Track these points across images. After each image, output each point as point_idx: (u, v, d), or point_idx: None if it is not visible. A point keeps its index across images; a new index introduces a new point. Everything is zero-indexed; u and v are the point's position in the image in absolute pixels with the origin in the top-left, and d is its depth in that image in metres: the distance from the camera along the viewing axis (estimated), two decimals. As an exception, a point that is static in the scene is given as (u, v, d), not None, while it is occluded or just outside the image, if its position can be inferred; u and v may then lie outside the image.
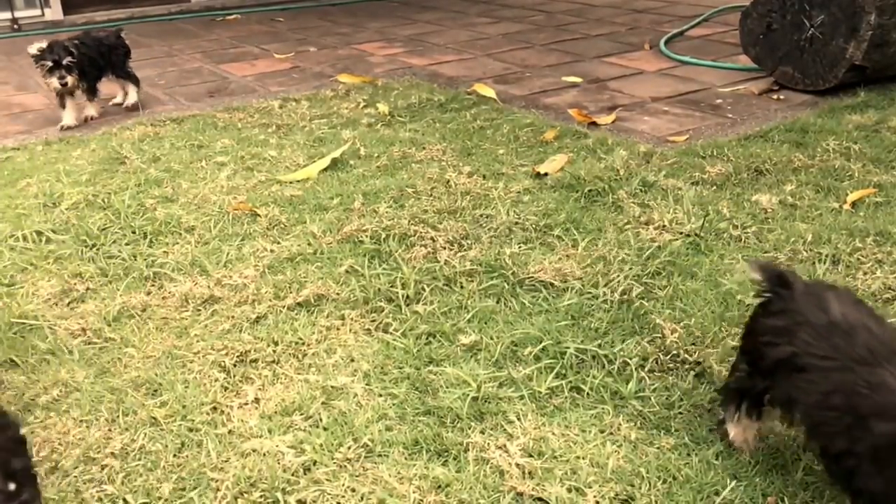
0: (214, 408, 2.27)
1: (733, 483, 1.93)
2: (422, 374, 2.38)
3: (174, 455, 2.10)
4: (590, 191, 3.56)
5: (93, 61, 4.96)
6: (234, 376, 2.40)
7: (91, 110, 5.05)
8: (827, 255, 2.95)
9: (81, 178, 3.96)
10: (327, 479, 1.98)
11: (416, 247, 3.12)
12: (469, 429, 2.15)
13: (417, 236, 3.19)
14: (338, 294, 2.82)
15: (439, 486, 1.96)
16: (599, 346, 2.46)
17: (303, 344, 2.55)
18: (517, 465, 2.00)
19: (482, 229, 3.27)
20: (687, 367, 2.38)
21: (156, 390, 2.36)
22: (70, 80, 4.76)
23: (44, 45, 4.77)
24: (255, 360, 2.47)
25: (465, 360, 2.44)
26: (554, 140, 4.30)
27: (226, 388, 2.35)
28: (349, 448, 2.08)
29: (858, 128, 4.23)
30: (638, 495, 1.91)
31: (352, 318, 2.68)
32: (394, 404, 2.26)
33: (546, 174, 3.79)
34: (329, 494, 1.94)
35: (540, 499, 1.92)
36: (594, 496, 1.91)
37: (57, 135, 4.77)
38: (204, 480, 2.00)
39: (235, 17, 8.81)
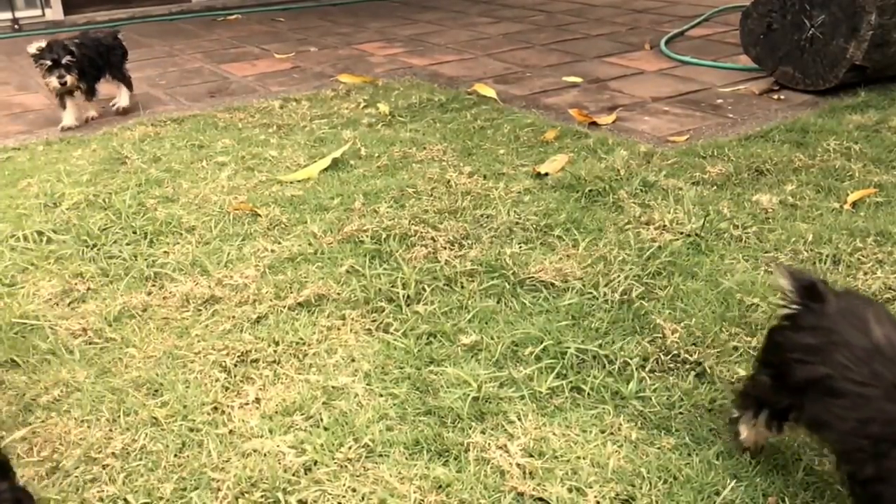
0: (215, 408, 2.27)
1: (734, 483, 1.93)
2: (422, 374, 2.38)
3: (175, 455, 2.10)
4: (590, 191, 3.56)
5: (92, 61, 4.95)
6: (235, 376, 2.40)
7: (91, 111, 5.06)
8: (827, 256, 2.95)
9: (82, 178, 3.96)
10: (328, 480, 1.98)
11: (417, 247, 3.12)
12: (470, 429, 2.15)
13: (418, 236, 3.19)
14: (338, 294, 2.82)
15: (440, 486, 1.96)
16: (600, 346, 2.46)
17: (303, 344, 2.55)
18: (518, 465, 2.01)
19: (483, 229, 3.27)
20: (687, 367, 2.38)
21: (157, 390, 2.36)
22: (69, 79, 4.74)
23: (43, 44, 4.76)
24: (256, 360, 2.47)
25: (465, 360, 2.44)
26: (554, 140, 4.30)
27: (227, 388, 2.35)
28: (350, 448, 2.08)
29: (859, 128, 4.23)
30: (639, 495, 1.91)
31: (352, 318, 2.68)
32: (394, 404, 2.26)
33: (546, 174, 3.79)
34: (330, 494, 1.94)
35: (541, 499, 1.92)
36: (595, 496, 1.91)
37: (58, 135, 4.77)
38: (205, 480, 2.01)
39: (236, 18, 8.81)
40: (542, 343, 2.46)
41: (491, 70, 6.04)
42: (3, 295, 2.92)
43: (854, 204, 3.37)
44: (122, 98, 5.25)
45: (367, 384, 2.35)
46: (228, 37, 7.75)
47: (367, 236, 3.21)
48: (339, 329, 2.63)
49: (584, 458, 2.03)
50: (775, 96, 5.01)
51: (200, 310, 2.78)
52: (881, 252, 2.95)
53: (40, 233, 3.37)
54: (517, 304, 2.73)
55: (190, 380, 2.39)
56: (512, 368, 2.39)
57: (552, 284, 2.83)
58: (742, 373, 2.32)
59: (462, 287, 2.84)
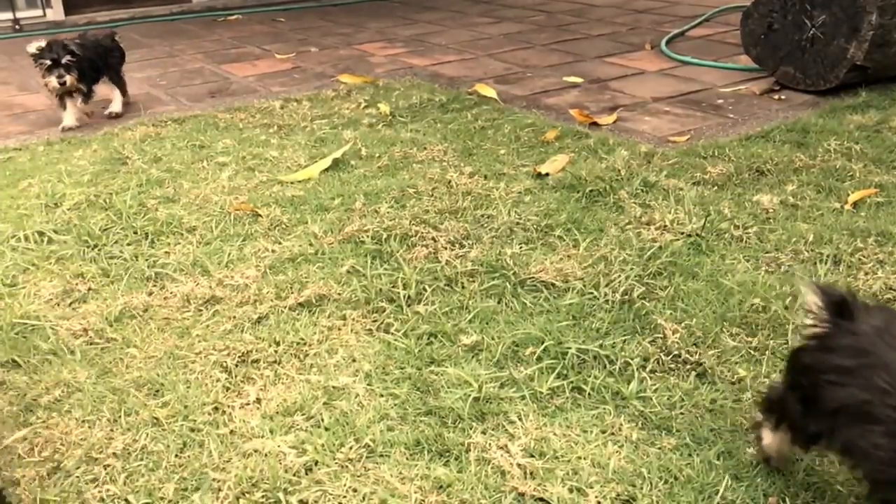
0: (216, 408, 2.27)
1: (735, 483, 1.93)
2: (423, 375, 2.38)
3: (176, 455, 2.10)
4: (591, 191, 3.57)
5: (92, 63, 4.95)
6: (236, 376, 2.40)
7: (84, 113, 5.02)
8: (828, 256, 2.95)
9: (83, 178, 3.96)
10: (329, 480, 1.98)
11: (418, 247, 3.12)
12: (470, 429, 2.15)
13: (419, 236, 3.19)
14: (339, 294, 2.82)
15: (441, 487, 1.96)
16: (601, 346, 2.46)
17: (304, 344, 2.55)
18: (518, 465, 2.01)
19: (483, 229, 3.27)
20: (688, 367, 2.38)
21: (157, 390, 2.36)
22: (69, 79, 4.73)
23: (43, 43, 4.75)
24: (257, 361, 2.47)
25: (466, 360, 2.44)
26: (555, 140, 4.30)
27: (227, 389, 2.36)
28: (351, 448, 2.08)
29: (860, 128, 4.23)
30: (639, 495, 1.91)
31: (353, 319, 2.68)
32: (395, 404, 2.26)
33: (547, 174, 3.80)
34: (331, 495, 1.94)
35: (541, 499, 1.92)
36: (595, 496, 1.91)
37: (58, 135, 4.77)
38: (206, 481, 2.01)
39: (237, 18, 8.82)
40: (542, 343, 2.46)
41: (491, 70, 6.04)
42: (4, 295, 2.92)
43: (855, 204, 3.37)
44: (116, 104, 5.19)
45: (368, 384, 2.35)
46: (229, 37, 7.75)
47: (367, 236, 3.21)
48: (339, 329, 2.63)
49: (584, 459, 2.03)
50: (776, 96, 5.01)
51: (201, 310, 2.78)
52: (882, 252, 2.95)
53: (41, 233, 3.37)
54: (518, 305, 2.73)
55: (191, 380, 2.39)
56: (513, 368, 2.39)
57: (553, 284, 2.83)
58: (742, 373, 2.32)
59: (463, 287, 2.84)
